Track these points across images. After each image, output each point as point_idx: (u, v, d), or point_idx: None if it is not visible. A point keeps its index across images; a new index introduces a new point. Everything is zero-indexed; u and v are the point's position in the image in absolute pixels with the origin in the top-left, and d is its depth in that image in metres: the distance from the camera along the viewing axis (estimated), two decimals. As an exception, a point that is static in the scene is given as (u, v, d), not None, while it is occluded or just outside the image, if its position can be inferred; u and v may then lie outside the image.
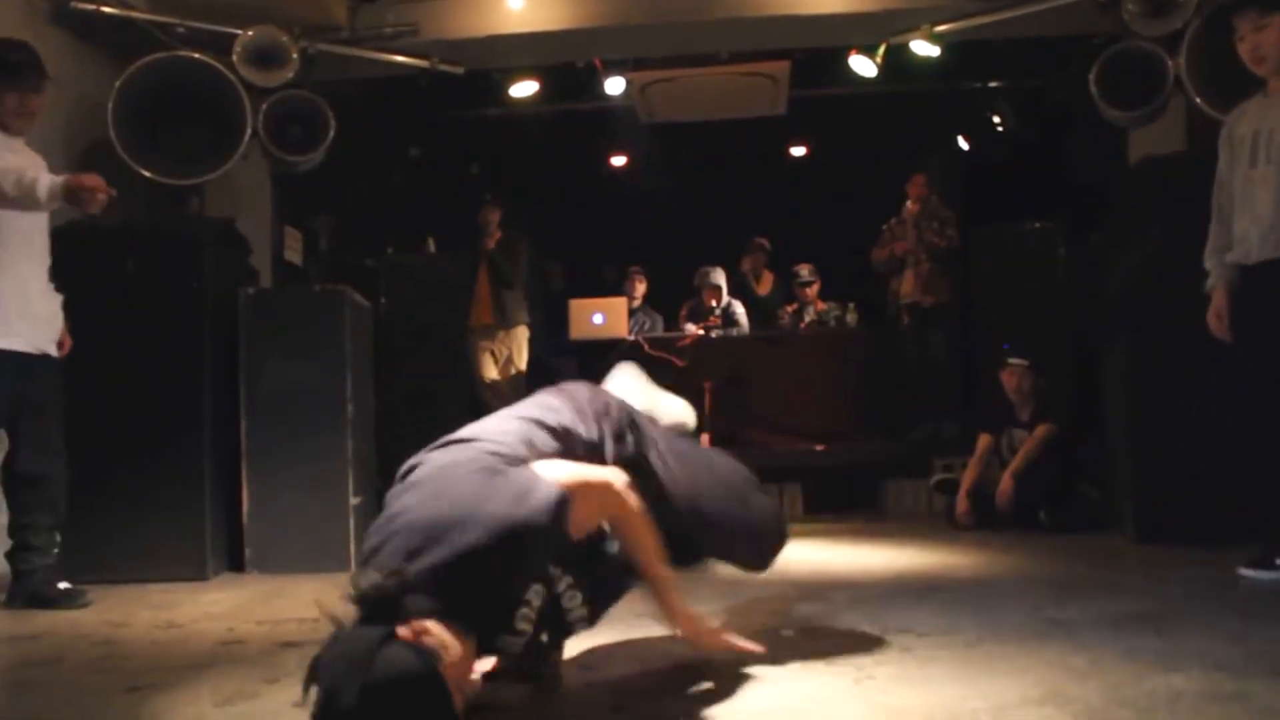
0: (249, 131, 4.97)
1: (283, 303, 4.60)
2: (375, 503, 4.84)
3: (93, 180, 3.33)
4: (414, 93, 6.22)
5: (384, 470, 5.18)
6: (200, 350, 4.31)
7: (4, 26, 4.42)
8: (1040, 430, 5.45)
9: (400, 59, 5.57)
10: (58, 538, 3.67)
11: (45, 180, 3.33)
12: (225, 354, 4.38)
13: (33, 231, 3.58)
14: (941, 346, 7.04)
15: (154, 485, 4.19)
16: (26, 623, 3.28)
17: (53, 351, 3.65)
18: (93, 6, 4.77)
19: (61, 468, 3.66)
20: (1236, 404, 3.60)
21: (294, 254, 6.46)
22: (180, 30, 5.07)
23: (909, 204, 7.22)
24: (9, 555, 3.65)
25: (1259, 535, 3.49)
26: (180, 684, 2.33)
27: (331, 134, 5.26)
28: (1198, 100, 4.74)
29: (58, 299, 3.69)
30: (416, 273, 7.35)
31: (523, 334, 7.40)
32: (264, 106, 5.11)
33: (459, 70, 5.71)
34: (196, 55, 4.91)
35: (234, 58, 4.98)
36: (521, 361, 7.41)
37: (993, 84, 7.27)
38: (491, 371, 7.25)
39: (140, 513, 4.16)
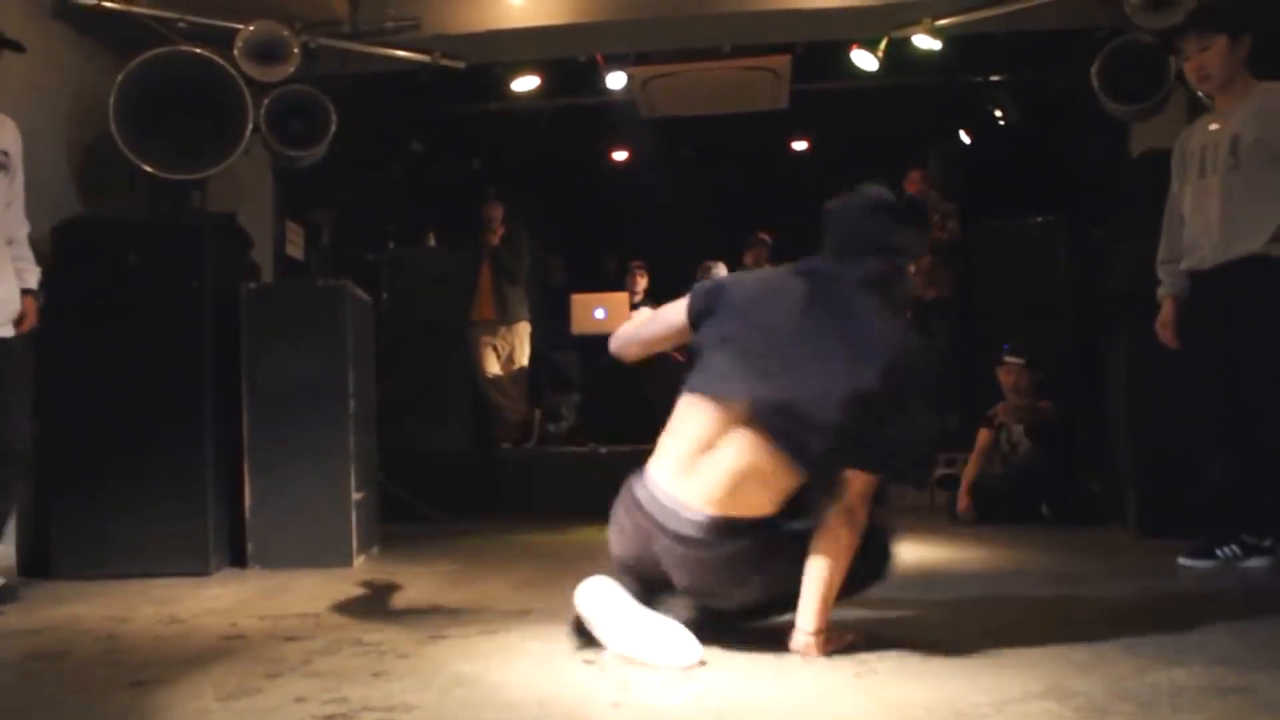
0: (250, 126, 4.96)
1: (284, 297, 4.60)
2: (377, 498, 4.85)
3: None
4: (415, 87, 6.21)
5: (385, 465, 5.19)
6: (201, 345, 4.30)
7: (6, 20, 4.41)
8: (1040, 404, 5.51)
9: (402, 54, 5.57)
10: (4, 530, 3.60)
11: None
12: (226, 348, 4.37)
13: None
14: (943, 340, 7.05)
15: (155, 480, 4.19)
16: (29, 617, 3.29)
17: (5, 333, 3.54)
18: (94, 1, 4.77)
19: (23, 450, 3.55)
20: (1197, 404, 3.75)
21: (295, 249, 6.46)
22: (181, 25, 5.06)
23: None
24: None
25: (1253, 529, 3.59)
26: (183, 678, 2.34)
27: (333, 129, 5.25)
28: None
29: (11, 278, 3.58)
30: (418, 267, 7.36)
31: (524, 329, 7.41)
32: (265, 101, 5.11)
33: (460, 65, 5.71)
34: (198, 50, 4.90)
35: (235, 53, 4.98)
36: (523, 357, 7.42)
37: (994, 78, 7.26)
38: (494, 367, 7.26)
39: (142, 507, 4.16)
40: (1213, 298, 3.58)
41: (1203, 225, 3.57)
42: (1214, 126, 3.60)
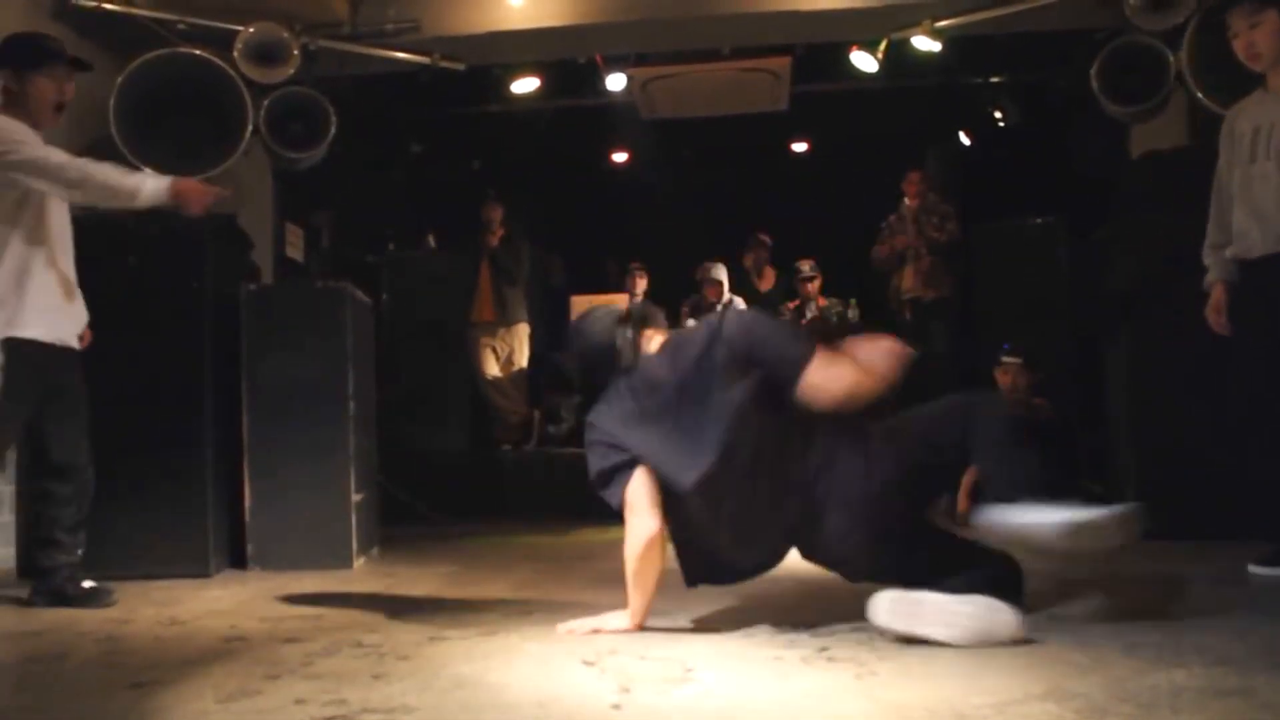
0: (250, 128, 4.97)
1: (284, 299, 4.60)
2: (377, 499, 4.85)
3: (195, 188, 3.50)
4: (415, 89, 6.22)
5: (385, 466, 5.19)
6: (201, 346, 4.31)
7: (6, 21, 4.42)
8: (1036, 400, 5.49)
9: (401, 55, 5.57)
10: (82, 535, 3.63)
11: (148, 183, 3.45)
12: (226, 350, 4.37)
13: (66, 225, 3.57)
14: (943, 341, 7.05)
15: (156, 482, 4.19)
16: (30, 619, 3.29)
17: (74, 344, 3.59)
18: (94, 3, 4.77)
19: (87, 463, 3.60)
20: (1235, 398, 3.57)
21: (295, 250, 6.46)
22: (181, 27, 5.06)
23: (907, 200, 7.24)
24: (32, 551, 3.62)
25: (1263, 531, 3.53)
26: (183, 680, 2.34)
27: (333, 130, 5.26)
28: (1199, 95, 4.73)
29: (79, 292, 3.64)
30: (418, 269, 7.37)
31: (523, 331, 7.41)
32: (265, 103, 5.11)
33: (460, 66, 5.71)
34: (197, 52, 4.91)
35: (235, 54, 4.98)
36: (523, 359, 7.42)
37: (994, 79, 7.27)
38: (493, 368, 7.26)
39: (142, 509, 4.16)
40: (1258, 288, 3.43)
41: (1251, 213, 3.43)
42: (1266, 107, 3.45)
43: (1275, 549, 3.40)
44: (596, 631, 2.72)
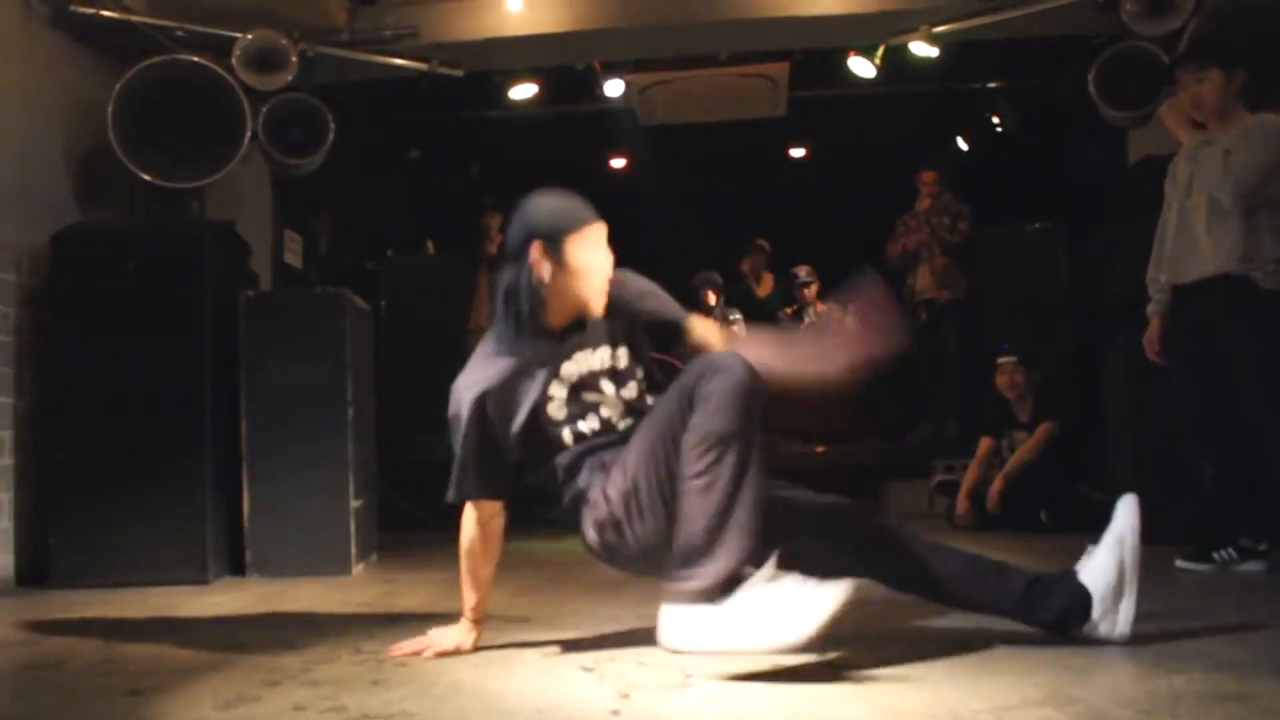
0: (249, 134, 4.97)
1: (283, 305, 4.60)
2: (375, 505, 4.85)
3: None
4: (414, 95, 6.22)
5: (385, 472, 5.18)
6: (200, 353, 4.31)
7: (2, 28, 4.43)
8: (1041, 429, 5.44)
9: (400, 61, 5.57)
10: None
11: None
12: (225, 357, 4.38)
13: None
14: (953, 343, 7.05)
15: (154, 488, 4.19)
16: (28, 626, 3.29)
17: None
18: (92, 10, 4.77)
19: None
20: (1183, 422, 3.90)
21: (294, 257, 6.46)
22: (179, 33, 5.06)
23: (921, 200, 7.24)
24: None
25: (1251, 532, 3.68)
26: (181, 687, 2.33)
27: (331, 137, 5.26)
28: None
29: None
30: (417, 275, 7.37)
31: (521, 338, 7.41)
32: (264, 109, 5.11)
33: (458, 73, 5.71)
34: (196, 58, 4.91)
35: (233, 61, 4.98)
36: (521, 364, 7.42)
37: (992, 84, 7.28)
38: (492, 374, 7.26)
39: (140, 516, 4.16)
40: (1193, 310, 3.71)
41: (1186, 242, 3.71)
42: (1202, 150, 3.71)
43: (1201, 543, 3.71)
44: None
